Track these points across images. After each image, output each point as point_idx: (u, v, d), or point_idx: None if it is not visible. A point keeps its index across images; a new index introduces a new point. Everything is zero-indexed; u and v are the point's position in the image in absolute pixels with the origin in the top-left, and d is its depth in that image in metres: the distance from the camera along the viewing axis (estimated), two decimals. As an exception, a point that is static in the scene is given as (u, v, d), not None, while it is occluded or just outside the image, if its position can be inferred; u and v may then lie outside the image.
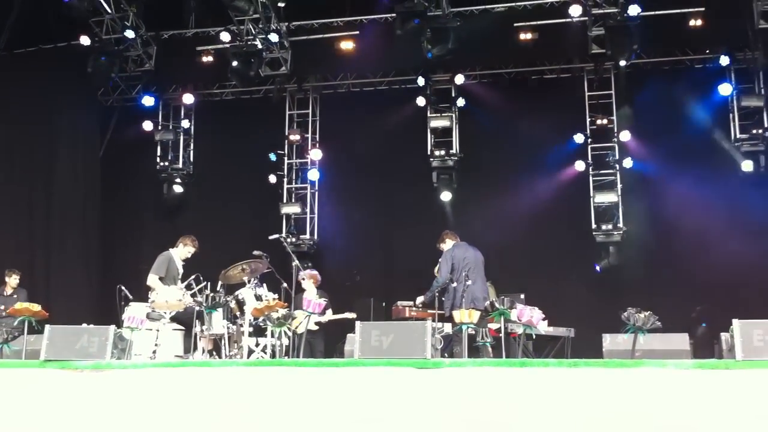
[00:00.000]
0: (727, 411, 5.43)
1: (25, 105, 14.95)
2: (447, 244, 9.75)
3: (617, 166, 13.90)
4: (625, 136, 13.81)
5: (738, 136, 13.43)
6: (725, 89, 13.44)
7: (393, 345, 6.52)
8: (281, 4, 14.03)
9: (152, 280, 9.22)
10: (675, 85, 13.79)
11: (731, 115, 13.56)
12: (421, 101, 14.62)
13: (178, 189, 15.69)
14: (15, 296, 10.94)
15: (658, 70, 14.15)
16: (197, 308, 8.58)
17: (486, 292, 9.49)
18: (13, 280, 11.27)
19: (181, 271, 9.57)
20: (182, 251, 9.69)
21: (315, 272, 11.05)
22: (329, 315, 10.63)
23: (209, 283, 9.16)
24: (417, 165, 14.66)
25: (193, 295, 8.86)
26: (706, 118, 13.53)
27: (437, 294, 9.30)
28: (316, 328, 10.62)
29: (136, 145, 15.72)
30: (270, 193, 15.25)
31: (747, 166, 13.12)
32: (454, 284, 9.28)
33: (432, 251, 10.06)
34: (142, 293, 9.21)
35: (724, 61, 13.40)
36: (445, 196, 14.38)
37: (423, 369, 6.20)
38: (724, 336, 6.85)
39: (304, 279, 10.68)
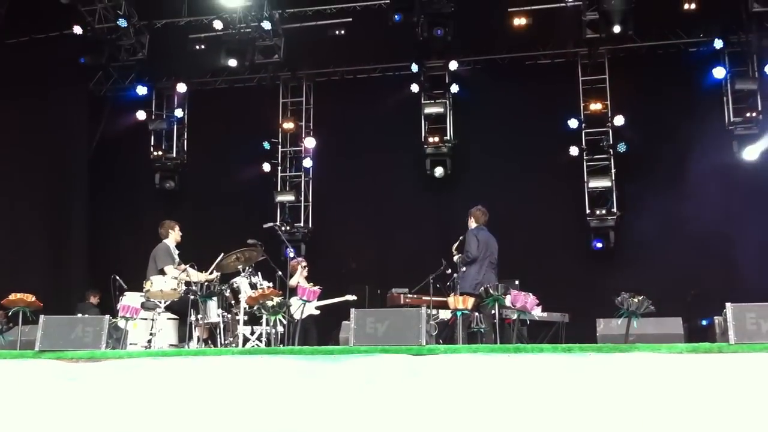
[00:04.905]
0: (721, 394, 5.46)
1: (18, 95, 14.85)
2: (471, 223, 9.74)
3: (611, 150, 13.89)
4: (619, 120, 13.80)
5: (732, 119, 13.43)
6: (719, 73, 13.43)
7: (388, 332, 6.52)
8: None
9: (170, 270, 9.17)
10: (669, 69, 13.78)
11: (725, 98, 13.57)
12: (414, 88, 14.60)
13: (171, 178, 15.66)
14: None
15: (651, 54, 14.13)
16: (192, 297, 8.57)
17: (495, 280, 9.46)
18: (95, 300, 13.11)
19: (177, 259, 9.57)
20: (174, 237, 9.69)
21: (295, 261, 11.08)
22: (323, 301, 10.71)
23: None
24: (411, 152, 14.66)
25: (188, 284, 8.84)
26: (699, 101, 13.52)
27: (432, 280, 9.31)
28: (317, 312, 10.67)
29: (129, 134, 15.68)
30: (264, 181, 15.25)
31: (749, 153, 13.12)
32: (463, 268, 9.31)
33: (427, 238, 10.08)
34: (136, 283, 9.20)
35: (718, 44, 13.37)
36: (439, 179, 14.41)
37: (418, 355, 6.22)
38: (717, 320, 6.87)
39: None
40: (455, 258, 9.59)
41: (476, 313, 8.60)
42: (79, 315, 9.52)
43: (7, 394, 6.48)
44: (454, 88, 14.57)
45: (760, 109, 13.21)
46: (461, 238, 9.60)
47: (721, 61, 13.60)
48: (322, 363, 6.32)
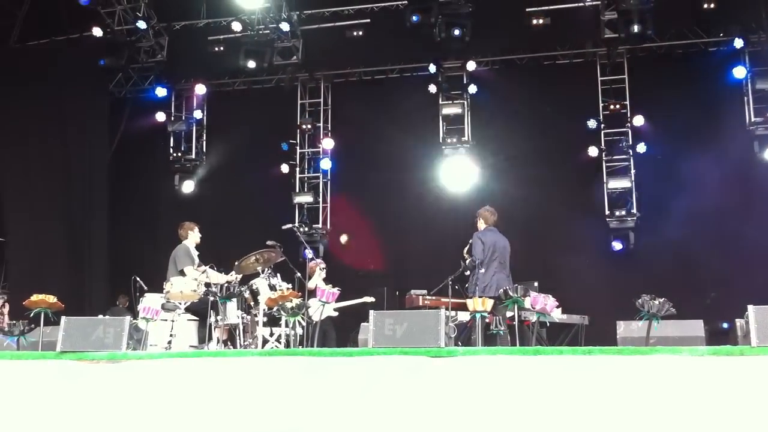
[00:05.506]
0: (743, 397, 5.41)
1: (39, 97, 15.00)
2: (480, 224, 9.64)
3: (630, 151, 13.82)
4: (639, 121, 13.73)
5: (752, 119, 13.33)
6: (740, 72, 13.33)
7: (406, 334, 6.50)
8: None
9: (190, 271, 9.22)
10: (689, 68, 13.70)
11: (746, 98, 13.47)
12: (432, 88, 14.58)
13: (190, 179, 15.74)
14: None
15: (671, 54, 14.05)
16: (212, 298, 8.60)
17: (507, 281, 9.41)
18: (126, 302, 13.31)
19: (197, 260, 9.61)
20: (194, 238, 9.73)
21: (313, 262, 11.03)
22: (341, 303, 10.70)
23: (223, 271, 9.23)
24: (429, 152, 14.64)
25: (207, 285, 8.87)
26: (720, 101, 13.42)
27: (450, 282, 9.28)
28: (336, 314, 10.67)
29: (148, 136, 15.77)
30: (282, 182, 15.28)
31: None
32: (482, 270, 9.24)
33: (445, 239, 10.05)
34: (156, 284, 9.25)
35: (738, 44, 13.26)
36: (456, 180, 14.40)
37: (437, 357, 6.21)
38: (739, 322, 6.81)
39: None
40: (467, 261, 9.54)
41: (494, 316, 8.57)
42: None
43: (29, 394, 6.52)
44: (472, 89, 14.54)
45: (781, 108, 13.12)
46: (470, 241, 9.55)
47: (742, 60, 13.47)
48: (339, 365, 6.32)
